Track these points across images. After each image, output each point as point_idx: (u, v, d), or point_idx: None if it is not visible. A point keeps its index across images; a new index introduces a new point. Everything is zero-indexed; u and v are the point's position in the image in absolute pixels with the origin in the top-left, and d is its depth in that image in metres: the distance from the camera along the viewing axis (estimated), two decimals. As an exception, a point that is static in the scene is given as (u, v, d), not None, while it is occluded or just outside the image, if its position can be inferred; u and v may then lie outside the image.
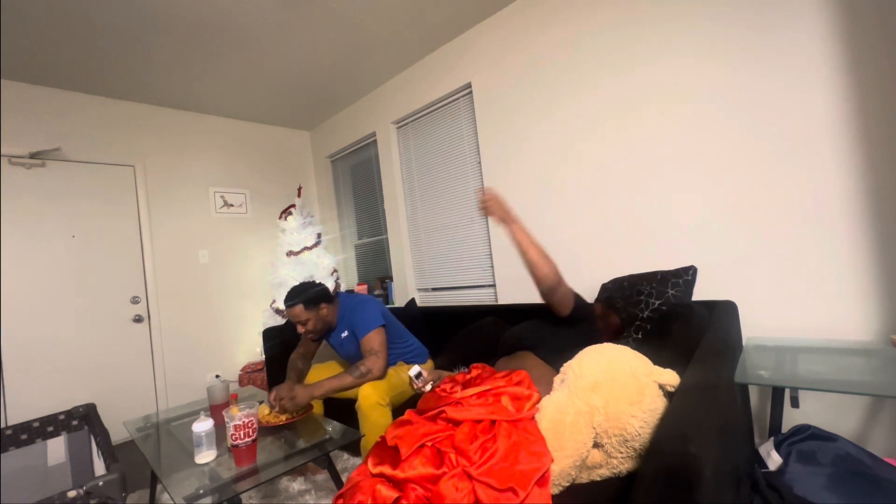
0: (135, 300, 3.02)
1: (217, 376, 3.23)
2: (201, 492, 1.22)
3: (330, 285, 3.30)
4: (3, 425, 2.24)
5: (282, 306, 3.19)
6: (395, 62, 2.99)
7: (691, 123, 1.86)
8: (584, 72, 2.17)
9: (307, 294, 1.89)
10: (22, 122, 2.66)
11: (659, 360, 1.25)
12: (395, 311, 2.58)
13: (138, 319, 3.02)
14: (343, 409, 1.96)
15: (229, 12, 2.26)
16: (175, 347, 3.16)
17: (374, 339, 1.86)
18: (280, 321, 3.20)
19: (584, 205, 2.22)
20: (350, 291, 3.36)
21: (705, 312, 1.52)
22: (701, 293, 1.67)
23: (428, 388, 1.73)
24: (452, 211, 2.93)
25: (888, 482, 1.09)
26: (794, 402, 1.46)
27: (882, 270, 1.48)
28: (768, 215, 1.69)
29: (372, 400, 1.71)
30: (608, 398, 1.07)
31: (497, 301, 2.67)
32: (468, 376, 1.28)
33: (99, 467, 1.65)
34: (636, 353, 1.21)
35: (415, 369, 1.80)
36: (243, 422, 1.33)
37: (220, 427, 1.46)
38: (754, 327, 1.71)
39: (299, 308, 1.87)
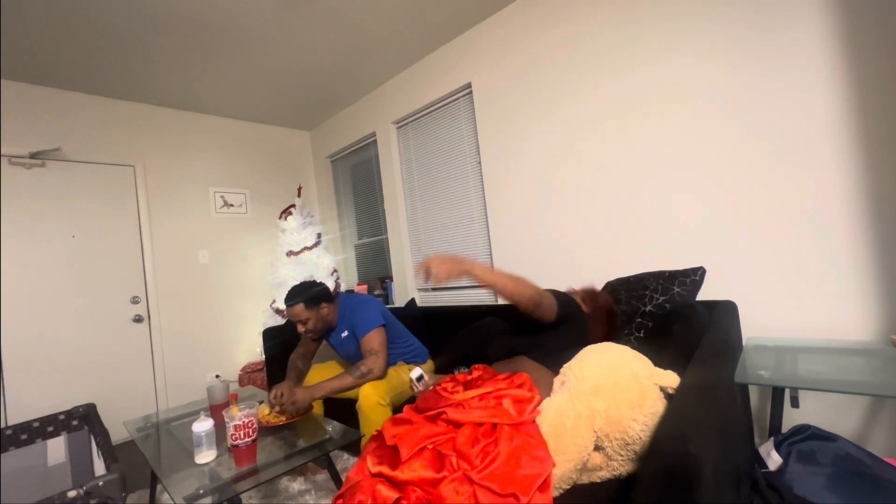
0: (135, 300, 3.02)
1: (217, 376, 3.23)
2: (201, 492, 1.22)
3: (330, 285, 3.30)
4: (3, 425, 2.24)
5: (282, 306, 3.19)
6: (395, 62, 2.99)
7: (691, 123, 1.86)
8: (584, 72, 2.17)
9: (308, 293, 1.89)
10: (22, 122, 2.66)
11: (659, 360, 1.25)
12: (395, 311, 2.58)
13: (138, 319, 3.02)
14: (343, 409, 1.97)
15: (229, 12, 2.26)
16: (175, 347, 3.16)
17: (375, 339, 1.86)
18: (280, 321, 3.20)
19: (584, 205, 2.22)
20: (350, 291, 3.36)
21: (706, 313, 1.52)
22: (701, 293, 1.67)
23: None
24: (452, 211, 2.93)
25: (888, 482, 1.09)
26: (794, 402, 1.46)
27: (882, 270, 1.48)
28: (768, 215, 1.69)
29: (372, 400, 1.71)
30: (610, 402, 1.06)
31: (497, 301, 2.67)
32: (469, 377, 1.27)
33: (99, 467, 1.65)
34: (637, 353, 1.21)
35: (416, 371, 1.73)
36: (243, 422, 1.33)
37: (220, 427, 1.46)
38: (754, 327, 1.71)
39: (300, 307, 1.87)
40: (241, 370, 3.36)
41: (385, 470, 0.98)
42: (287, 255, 3.36)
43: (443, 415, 1.09)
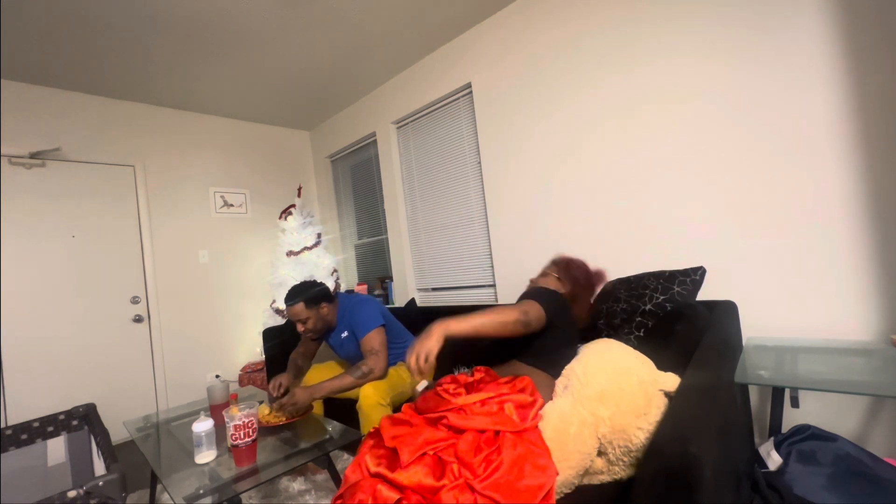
0: (135, 300, 3.02)
1: (217, 376, 3.25)
2: (201, 492, 1.22)
3: (330, 285, 3.30)
4: (3, 425, 2.24)
5: (282, 306, 3.19)
6: (395, 62, 2.99)
7: (691, 123, 1.86)
8: (584, 72, 2.17)
9: (308, 293, 1.89)
10: (22, 122, 2.66)
11: (660, 360, 1.25)
12: (395, 311, 2.58)
13: (138, 319, 3.02)
14: (343, 409, 1.97)
15: (229, 12, 2.26)
16: (175, 347, 3.16)
17: (375, 339, 1.86)
18: (280, 321, 3.20)
19: (584, 205, 2.22)
20: (350, 291, 3.36)
21: (707, 312, 1.52)
22: (701, 293, 1.66)
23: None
24: (452, 211, 2.93)
25: (888, 482, 1.09)
26: (794, 402, 1.46)
27: (882, 270, 1.48)
28: (768, 215, 1.69)
29: (373, 400, 1.71)
30: (615, 409, 1.05)
31: (497, 301, 2.67)
32: (470, 379, 1.26)
33: (99, 467, 1.65)
34: (639, 354, 1.21)
35: (423, 384, 1.54)
36: (243, 422, 1.33)
37: (220, 427, 1.46)
38: (754, 327, 1.71)
39: (300, 306, 1.87)
40: (241, 370, 3.36)
41: (384, 471, 0.97)
42: (287, 255, 3.36)
43: (444, 419, 1.07)
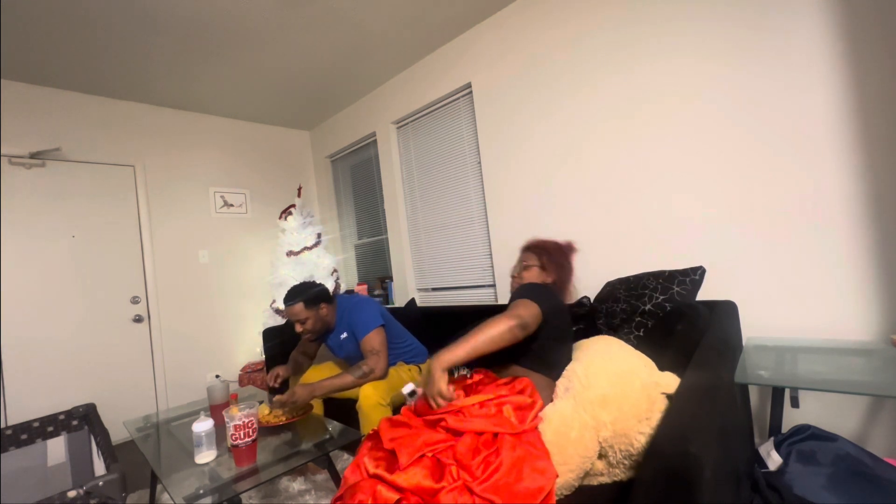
0: (135, 300, 3.02)
1: (217, 376, 3.24)
2: (201, 492, 1.22)
3: (330, 285, 3.30)
4: (3, 425, 2.24)
5: (282, 306, 3.19)
6: (395, 62, 2.99)
7: (691, 123, 1.86)
8: (584, 72, 2.17)
9: (307, 293, 1.90)
10: (22, 122, 2.66)
11: (660, 360, 1.25)
12: (395, 311, 2.58)
13: (138, 319, 3.02)
14: (343, 409, 1.96)
15: (229, 12, 2.26)
16: (175, 347, 3.16)
17: (375, 339, 1.86)
18: (280, 321, 3.20)
19: (584, 205, 2.22)
20: (350, 291, 3.36)
21: (707, 312, 1.51)
22: (701, 293, 1.66)
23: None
24: (452, 211, 2.93)
25: (888, 482, 1.09)
26: (794, 402, 1.46)
27: (882, 270, 1.48)
28: (768, 215, 1.69)
29: (373, 400, 1.71)
30: (617, 414, 1.04)
31: (497, 301, 2.67)
32: (469, 380, 1.26)
33: (99, 467, 1.66)
34: (641, 355, 1.20)
35: (408, 387, 1.40)
36: (243, 422, 1.33)
37: (220, 427, 1.46)
38: (754, 327, 1.71)
39: (299, 306, 1.87)
40: (241, 370, 3.36)
41: (383, 473, 0.97)
42: (287, 255, 3.36)
43: (442, 421, 1.07)
